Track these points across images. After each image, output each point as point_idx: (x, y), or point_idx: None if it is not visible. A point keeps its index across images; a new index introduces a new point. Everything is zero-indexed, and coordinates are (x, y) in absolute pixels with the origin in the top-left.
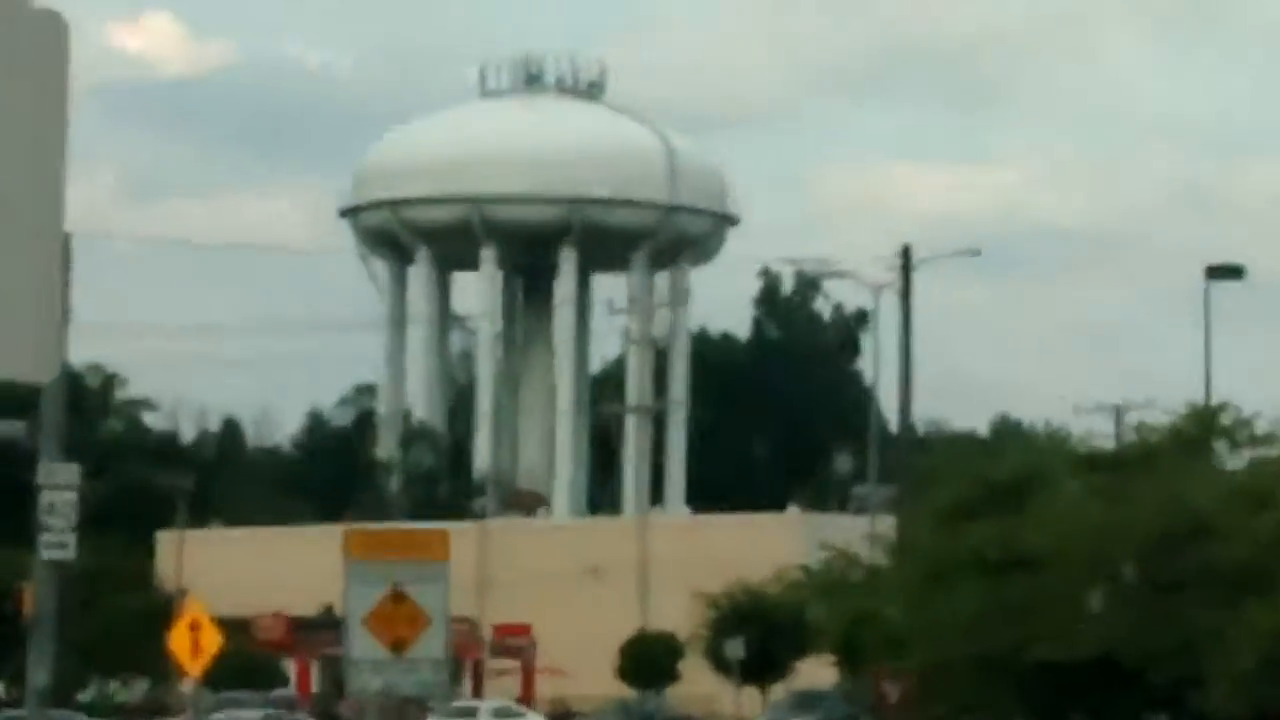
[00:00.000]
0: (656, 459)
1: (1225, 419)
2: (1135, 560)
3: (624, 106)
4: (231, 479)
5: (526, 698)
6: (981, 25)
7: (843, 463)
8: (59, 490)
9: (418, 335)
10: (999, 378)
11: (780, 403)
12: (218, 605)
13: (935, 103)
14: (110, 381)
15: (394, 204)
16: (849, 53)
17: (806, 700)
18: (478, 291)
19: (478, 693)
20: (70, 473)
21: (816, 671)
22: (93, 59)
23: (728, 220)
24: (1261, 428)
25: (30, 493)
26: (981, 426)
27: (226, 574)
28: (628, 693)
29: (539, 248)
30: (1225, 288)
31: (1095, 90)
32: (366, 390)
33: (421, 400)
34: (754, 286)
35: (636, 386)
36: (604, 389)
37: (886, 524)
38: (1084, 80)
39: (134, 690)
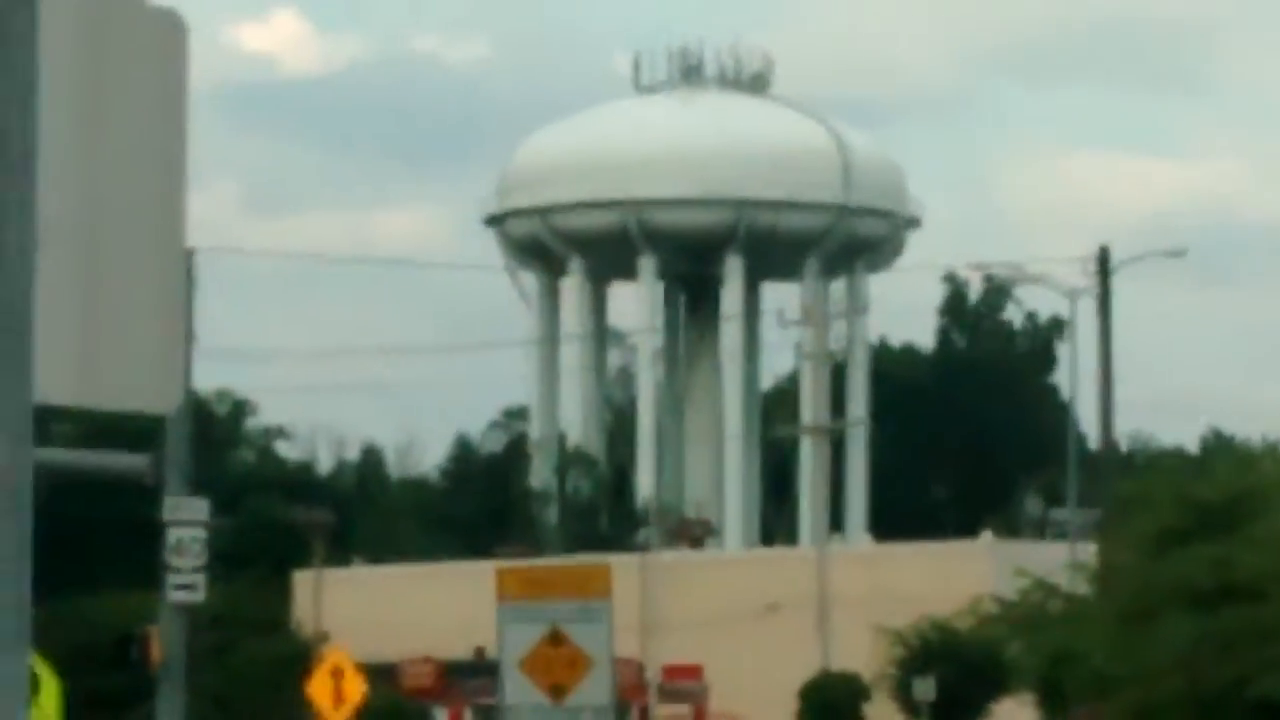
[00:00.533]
0: (835, 484)
1: None
2: None
3: (791, 100)
4: (373, 513)
5: None
6: (1181, 3)
7: (1038, 485)
8: (186, 527)
9: (572, 353)
10: (1208, 389)
11: (969, 420)
12: (360, 650)
13: (1132, 88)
14: (240, 409)
15: (543, 211)
16: (1033, 32)
17: None
18: (636, 304)
19: None
20: (198, 508)
21: (1015, 713)
22: (213, 60)
23: (907, 222)
24: None
25: (156, 531)
26: (1191, 443)
27: (369, 616)
28: None
29: (702, 256)
30: None
31: None
32: (517, 414)
33: (577, 424)
34: (938, 294)
35: (811, 405)
36: (776, 408)
37: (1088, 551)
38: None
39: None
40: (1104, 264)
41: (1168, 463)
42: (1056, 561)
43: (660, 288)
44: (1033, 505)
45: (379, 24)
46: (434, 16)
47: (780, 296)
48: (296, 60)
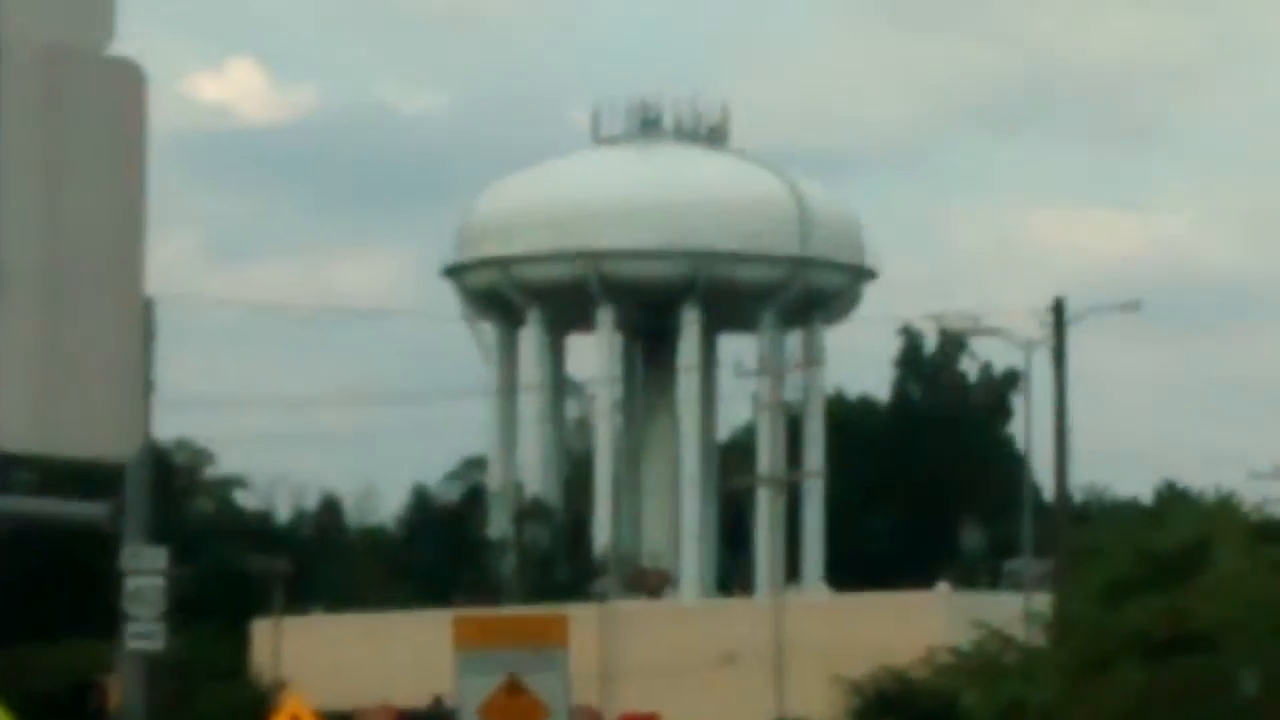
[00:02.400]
0: (791, 534)
1: None
2: None
3: (748, 152)
4: (331, 561)
5: None
6: (1137, 53)
7: (992, 536)
8: (145, 576)
9: (530, 403)
10: (1163, 441)
11: (925, 471)
12: (319, 697)
13: (1089, 140)
14: (199, 458)
15: (502, 262)
16: (990, 85)
17: None
18: (594, 355)
19: None
20: (157, 557)
21: None
22: (171, 109)
23: (864, 273)
24: None
25: (114, 579)
26: (1145, 494)
27: (328, 663)
28: None
29: (660, 307)
30: None
31: (1264, 126)
32: (475, 464)
33: (535, 474)
34: (894, 345)
35: (768, 455)
36: (733, 459)
37: (1042, 602)
38: (1252, 115)
39: None
40: (1059, 316)
41: (1122, 514)
42: (1011, 611)
43: (618, 338)
44: (973, 539)
45: (337, 74)
46: (392, 68)
47: (737, 348)
48: (254, 109)
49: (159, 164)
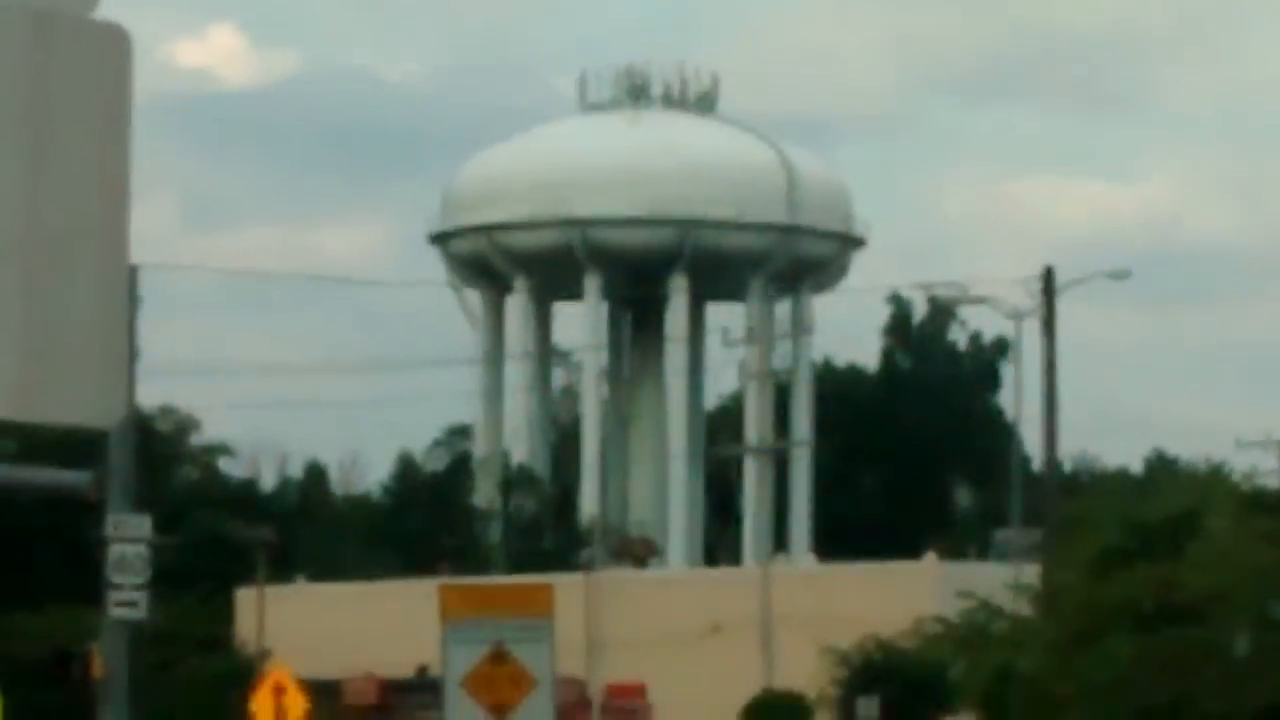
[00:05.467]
0: (779, 504)
1: None
2: None
3: (737, 120)
4: (316, 530)
5: None
6: (1124, 21)
7: (982, 505)
8: (128, 544)
9: (516, 372)
10: (1153, 411)
11: (913, 440)
12: (303, 667)
13: (1077, 109)
14: (183, 426)
15: (488, 229)
16: (978, 53)
17: None
18: (581, 324)
19: None
20: (141, 525)
21: None
22: (151, 74)
23: (853, 242)
24: None
25: (98, 547)
26: (1134, 464)
27: (312, 633)
28: None
29: (647, 275)
30: None
31: (1251, 95)
32: (461, 432)
33: (521, 443)
34: (882, 314)
35: (756, 425)
36: (720, 428)
37: (1031, 572)
38: (1239, 84)
39: None
40: (1049, 285)
41: (1112, 484)
42: (999, 582)
43: (605, 307)
44: (976, 526)
45: (319, 40)
46: (375, 33)
47: (725, 316)
48: (235, 74)
49: (139, 129)
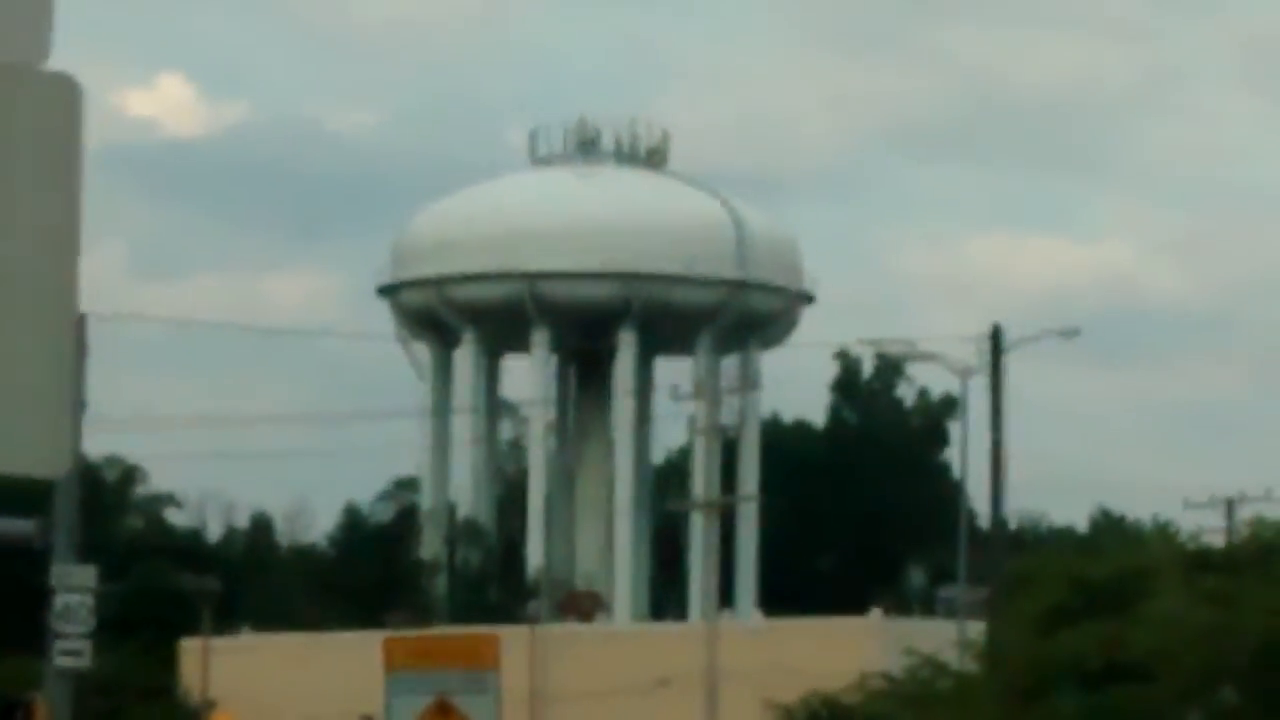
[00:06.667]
0: (725, 559)
1: None
2: (1247, 670)
3: (687, 175)
4: (261, 581)
5: None
6: (1076, 80)
7: (928, 562)
8: (74, 593)
9: (463, 424)
10: (1099, 469)
11: (860, 496)
12: (247, 717)
13: (1028, 167)
14: (129, 476)
15: (437, 282)
16: (929, 110)
17: None
18: (529, 377)
19: None
20: (86, 575)
21: None
22: (100, 124)
23: (801, 298)
24: None
25: (43, 596)
26: (1080, 522)
27: (256, 684)
28: None
29: (596, 329)
30: None
31: (1204, 155)
32: (408, 484)
33: (468, 495)
34: (830, 370)
35: (703, 480)
36: (667, 483)
37: (977, 629)
38: (1191, 143)
39: None
40: (996, 343)
41: (1057, 541)
42: (945, 639)
43: (553, 360)
44: (918, 578)
45: (268, 89)
46: (325, 84)
47: (673, 371)
48: (184, 124)
49: (88, 178)
